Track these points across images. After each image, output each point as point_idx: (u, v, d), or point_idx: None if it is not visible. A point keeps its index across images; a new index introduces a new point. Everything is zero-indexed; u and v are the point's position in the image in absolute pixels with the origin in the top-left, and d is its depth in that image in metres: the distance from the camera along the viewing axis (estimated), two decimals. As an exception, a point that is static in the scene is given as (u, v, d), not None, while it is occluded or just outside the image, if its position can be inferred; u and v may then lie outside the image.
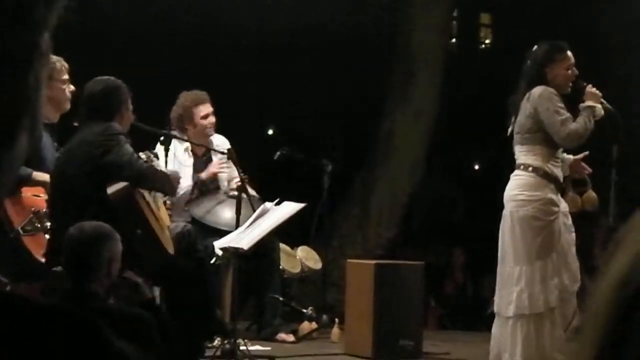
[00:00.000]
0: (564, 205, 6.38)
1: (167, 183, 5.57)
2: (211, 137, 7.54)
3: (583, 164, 6.61)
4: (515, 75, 6.51)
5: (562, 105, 6.29)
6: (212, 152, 7.47)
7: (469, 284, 11.41)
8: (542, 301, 6.20)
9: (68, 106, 6.01)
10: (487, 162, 14.28)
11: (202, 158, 7.52)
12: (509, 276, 6.29)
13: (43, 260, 5.35)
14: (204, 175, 7.42)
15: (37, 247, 5.46)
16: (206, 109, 7.47)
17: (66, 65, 5.99)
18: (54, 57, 5.95)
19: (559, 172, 6.37)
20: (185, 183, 7.24)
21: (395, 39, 10.50)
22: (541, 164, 6.28)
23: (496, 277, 6.46)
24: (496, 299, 6.43)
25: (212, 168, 7.44)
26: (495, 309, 6.43)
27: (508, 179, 6.53)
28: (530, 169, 6.28)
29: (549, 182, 6.29)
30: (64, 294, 4.33)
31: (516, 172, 6.35)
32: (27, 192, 5.65)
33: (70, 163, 5.26)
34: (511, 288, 6.24)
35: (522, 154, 6.34)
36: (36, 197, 5.60)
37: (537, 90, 6.29)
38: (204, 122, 7.45)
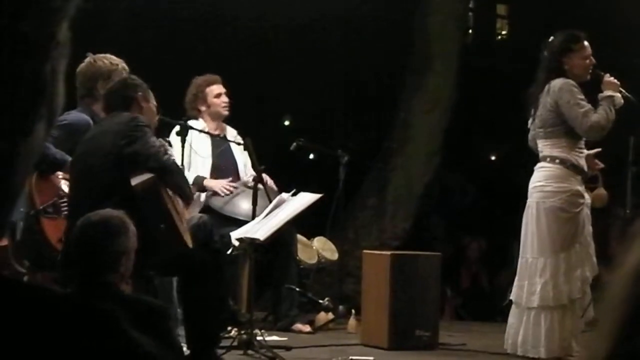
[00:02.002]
0: (587, 197, 6.38)
1: (187, 185, 5.56)
2: (227, 127, 7.58)
3: (596, 160, 6.58)
4: (531, 66, 6.50)
5: (582, 97, 6.27)
6: (230, 142, 7.47)
7: (484, 275, 11.39)
8: (566, 293, 6.20)
9: None
10: (503, 153, 14.24)
11: (218, 139, 7.46)
12: (531, 267, 6.28)
13: (59, 245, 5.37)
14: (207, 183, 7.37)
15: (55, 231, 5.47)
16: (219, 88, 7.55)
17: (126, 67, 6.08)
18: (115, 59, 6.07)
19: (583, 163, 6.36)
20: (205, 165, 7.39)
21: (412, 29, 10.48)
22: (568, 156, 6.27)
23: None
24: (515, 288, 6.42)
25: (218, 185, 7.35)
26: (514, 298, 6.42)
27: (524, 171, 6.52)
28: (557, 160, 6.27)
29: (576, 174, 6.28)
30: (79, 283, 4.33)
31: (542, 163, 6.33)
32: (58, 175, 5.68)
33: (94, 152, 5.26)
34: (535, 279, 6.23)
35: (547, 147, 6.33)
36: (65, 181, 5.62)
37: (557, 83, 6.27)
38: (217, 100, 7.52)
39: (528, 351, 6.23)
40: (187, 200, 5.58)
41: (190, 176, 7.17)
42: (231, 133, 7.56)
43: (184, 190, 5.48)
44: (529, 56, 6.55)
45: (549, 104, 6.28)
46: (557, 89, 6.26)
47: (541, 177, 6.31)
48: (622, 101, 6.38)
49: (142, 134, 5.25)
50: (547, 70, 6.36)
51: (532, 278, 6.26)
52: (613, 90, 6.37)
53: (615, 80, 6.41)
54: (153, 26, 10.59)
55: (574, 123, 6.24)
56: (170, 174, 5.33)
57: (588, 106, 6.24)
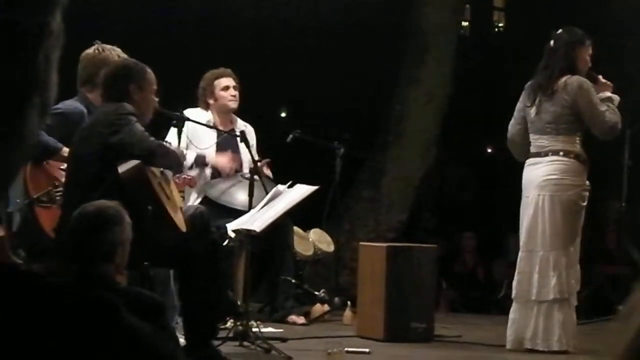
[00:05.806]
0: None
1: (176, 160, 5.59)
2: (240, 121, 7.58)
3: None
4: (528, 59, 6.49)
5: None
6: (230, 134, 7.45)
7: (479, 267, 11.40)
8: (575, 284, 6.26)
9: None
10: (499, 145, 14.23)
11: (224, 134, 7.47)
12: (542, 260, 6.28)
13: (52, 234, 5.38)
14: (209, 160, 7.39)
15: (50, 220, 5.48)
16: (227, 81, 7.57)
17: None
18: (121, 53, 6.05)
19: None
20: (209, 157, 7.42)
21: (407, 20, 10.46)
22: (580, 151, 6.31)
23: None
24: (516, 284, 6.41)
25: (224, 161, 7.37)
26: (515, 294, 6.41)
27: (519, 163, 6.52)
28: (572, 155, 6.29)
29: (586, 169, 6.33)
30: (74, 275, 4.33)
31: (554, 157, 6.31)
32: (54, 165, 5.69)
33: (84, 143, 5.29)
34: (548, 272, 6.24)
35: (558, 142, 6.31)
36: (62, 171, 5.63)
37: (575, 81, 6.28)
38: (224, 93, 7.54)
39: (537, 345, 6.22)
40: (179, 170, 5.68)
41: (190, 157, 7.21)
42: (248, 130, 7.55)
43: (174, 166, 5.58)
44: (526, 49, 6.54)
45: (566, 101, 6.28)
46: (577, 87, 6.27)
47: (556, 170, 6.30)
48: (619, 99, 6.42)
49: (126, 122, 5.25)
50: (561, 61, 6.32)
51: (544, 271, 6.26)
52: (610, 91, 6.42)
53: (608, 82, 6.46)
54: (153, 20, 10.59)
55: (593, 122, 6.26)
56: (158, 158, 5.35)
57: (605, 106, 6.29)
